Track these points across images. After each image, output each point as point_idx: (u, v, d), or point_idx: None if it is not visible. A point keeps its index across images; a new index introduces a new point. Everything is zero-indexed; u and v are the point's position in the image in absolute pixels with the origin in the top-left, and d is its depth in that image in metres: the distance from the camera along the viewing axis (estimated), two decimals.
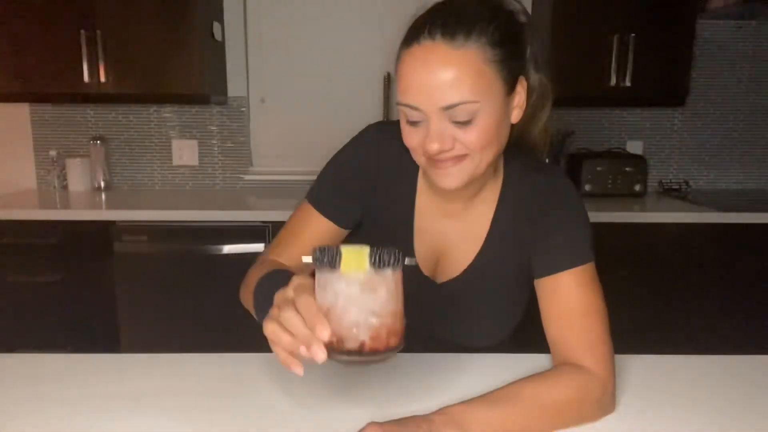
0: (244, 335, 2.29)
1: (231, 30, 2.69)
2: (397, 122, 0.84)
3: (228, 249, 2.24)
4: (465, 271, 0.91)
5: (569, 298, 0.83)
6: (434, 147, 0.75)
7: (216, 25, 2.55)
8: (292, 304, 0.58)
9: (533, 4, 2.43)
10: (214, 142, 2.79)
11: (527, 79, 0.81)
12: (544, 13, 2.42)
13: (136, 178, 2.81)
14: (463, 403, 0.72)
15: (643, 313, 2.29)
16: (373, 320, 0.53)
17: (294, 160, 2.82)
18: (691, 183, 2.81)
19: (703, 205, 2.39)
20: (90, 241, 2.24)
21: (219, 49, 2.63)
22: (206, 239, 2.24)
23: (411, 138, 0.79)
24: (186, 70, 2.38)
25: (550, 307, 0.84)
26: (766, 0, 2.31)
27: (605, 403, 0.78)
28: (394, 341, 0.55)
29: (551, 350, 0.86)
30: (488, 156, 0.79)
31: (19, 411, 0.74)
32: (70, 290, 2.27)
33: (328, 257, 0.55)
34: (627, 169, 2.56)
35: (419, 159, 0.81)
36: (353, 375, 0.85)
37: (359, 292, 0.53)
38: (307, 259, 0.57)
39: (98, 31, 2.32)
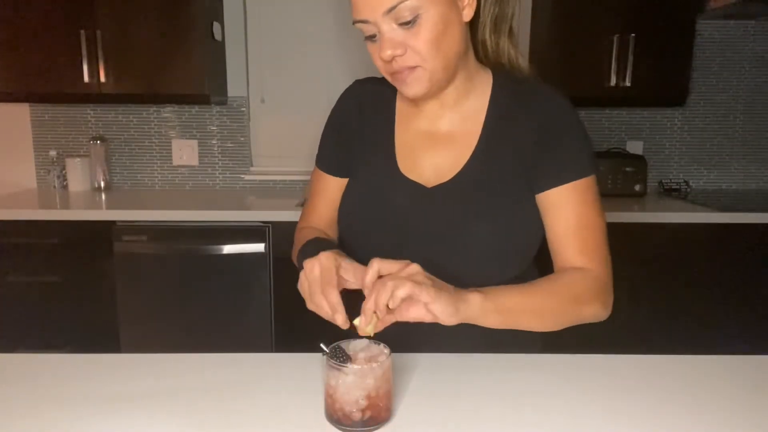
0: (244, 335, 2.31)
1: (231, 30, 2.69)
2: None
3: (228, 249, 2.24)
4: (457, 175, 0.90)
5: (570, 210, 0.86)
6: (387, 53, 0.79)
7: (216, 25, 2.55)
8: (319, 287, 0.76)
9: (533, 3, 2.43)
10: (214, 142, 2.79)
11: None
12: (544, 14, 2.42)
13: (136, 178, 2.82)
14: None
15: (643, 313, 2.29)
16: (363, 402, 0.69)
17: (294, 160, 2.82)
18: (691, 183, 2.81)
19: (703, 205, 2.39)
20: (90, 241, 2.24)
21: (219, 49, 2.63)
22: (206, 239, 2.24)
23: (373, 54, 0.84)
24: (186, 70, 2.38)
25: (552, 222, 0.88)
26: (766, 0, 2.30)
27: (606, 301, 0.86)
28: (383, 416, 0.71)
29: (553, 260, 0.90)
30: (442, 60, 0.81)
31: (19, 411, 0.74)
32: (70, 290, 2.28)
33: (340, 355, 0.73)
34: (627, 169, 2.56)
35: (385, 75, 0.86)
36: None
37: (353, 381, 0.68)
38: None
39: (98, 31, 2.32)
